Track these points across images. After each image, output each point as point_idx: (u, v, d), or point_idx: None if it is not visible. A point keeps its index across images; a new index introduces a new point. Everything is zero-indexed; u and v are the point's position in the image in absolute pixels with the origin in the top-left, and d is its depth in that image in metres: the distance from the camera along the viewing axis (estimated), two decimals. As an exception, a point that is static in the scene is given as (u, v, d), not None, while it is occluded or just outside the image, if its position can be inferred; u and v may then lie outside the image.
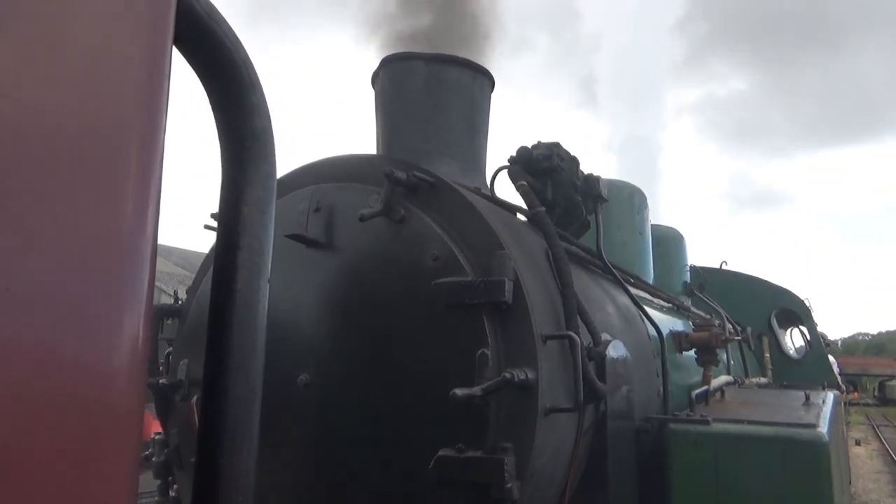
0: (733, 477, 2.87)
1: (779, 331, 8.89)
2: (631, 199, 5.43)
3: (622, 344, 2.77)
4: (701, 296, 7.20)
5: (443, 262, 2.33)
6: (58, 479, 0.64)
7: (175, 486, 2.97)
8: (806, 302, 9.03)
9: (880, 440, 39.94)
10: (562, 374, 2.31)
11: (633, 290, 3.92)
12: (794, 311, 8.96)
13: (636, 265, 5.13)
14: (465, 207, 2.44)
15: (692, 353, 4.12)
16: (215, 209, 1.42)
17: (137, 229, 0.71)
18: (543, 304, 2.40)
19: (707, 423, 3.01)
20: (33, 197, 0.64)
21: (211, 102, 1.01)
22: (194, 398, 2.70)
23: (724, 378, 4.78)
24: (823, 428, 2.93)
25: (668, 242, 6.85)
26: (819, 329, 9.16)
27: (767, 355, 8.40)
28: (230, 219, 0.97)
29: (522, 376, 2.10)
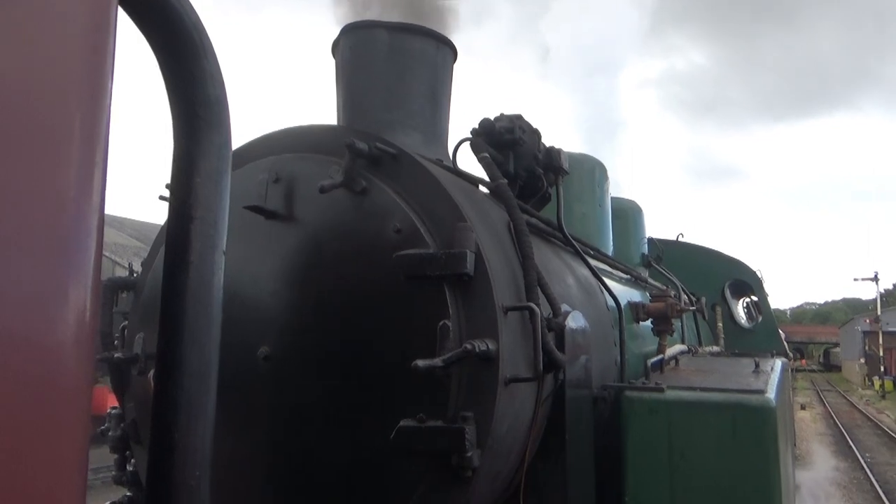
0: (686, 441, 2.97)
1: (731, 301, 9.18)
2: (592, 172, 5.48)
3: (581, 315, 2.82)
4: (658, 267, 7.36)
5: (405, 234, 2.32)
6: (1, 454, 0.62)
7: (133, 461, 2.93)
8: (758, 273, 9.33)
9: (824, 404, 41.87)
10: (522, 345, 2.35)
11: (593, 262, 3.98)
12: (747, 282, 9.25)
13: (596, 237, 5.20)
14: (428, 179, 2.43)
15: (649, 322, 4.22)
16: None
17: (82, 197, 0.68)
18: (505, 276, 2.42)
19: (661, 390, 3.10)
20: (-32, 164, 0.61)
21: (161, 68, 0.97)
22: (151, 372, 2.65)
23: (678, 347, 4.93)
24: (771, 394, 3.05)
25: (628, 215, 6.96)
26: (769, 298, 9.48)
27: (720, 325, 8.67)
28: (183, 190, 0.94)
29: (483, 347, 2.13)
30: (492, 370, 2.17)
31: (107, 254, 28.04)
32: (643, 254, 7.17)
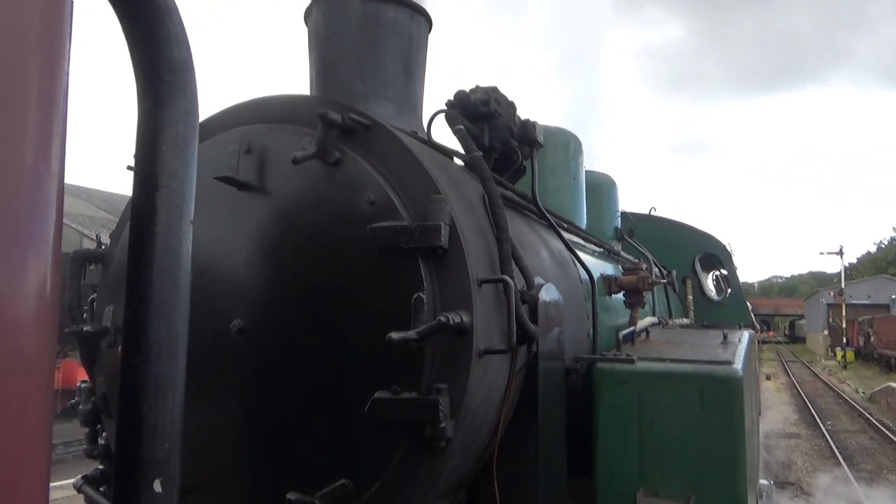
0: (655, 411, 3.04)
1: (701, 274, 9.34)
2: (566, 145, 5.49)
3: (555, 287, 2.85)
4: (630, 241, 7.44)
5: (379, 206, 2.31)
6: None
7: (104, 434, 2.91)
8: (727, 247, 9.50)
9: (788, 374, 43.15)
10: (496, 317, 2.36)
11: (567, 236, 4.01)
12: (717, 256, 9.41)
13: (570, 211, 5.23)
14: (402, 151, 2.41)
15: (621, 295, 4.27)
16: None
17: (40, 166, 0.66)
18: (479, 249, 2.42)
19: (632, 361, 3.15)
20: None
21: (123, 30, 0.93)
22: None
23: (649, 319, 5.01)
24: (738, 364, 3.12)
25: (601, 188, 7.00)
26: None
27: (690, 297, 8.83)
28: (148, 157, 0.91)
29: (457, 319, 2.13)
30: (466, 342, 2.18)
31: (74, 226, 27.46)
32: (616, 227, 7.24)
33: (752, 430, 3.62)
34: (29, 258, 0.65)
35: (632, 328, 4.05)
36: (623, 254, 6.48)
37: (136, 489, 0.88)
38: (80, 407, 2.93)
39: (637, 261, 5.63)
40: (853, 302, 59.59)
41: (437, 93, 3.38)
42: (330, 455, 2.29)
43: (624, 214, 7.66)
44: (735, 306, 9.22)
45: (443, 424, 2.11)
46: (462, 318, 2.15)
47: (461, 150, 2.99)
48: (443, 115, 3.11)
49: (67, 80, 0.70)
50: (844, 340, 53.55)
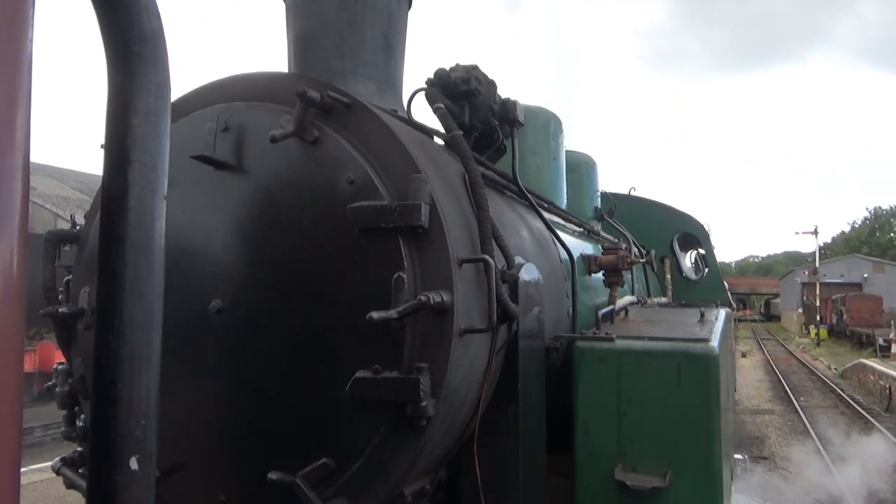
0: (634, 388, 3.08)
1: (680, 253, 9.44)
2: (547, 125, 5.48)
3: (535, 267, 2.85)
4: (610, 220, 7.49)
5: (358, 185, 2.29)
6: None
7: (82, 416, 2.88)
8: (705, 227, 9.60)
9: (763, 352, 44.00)
10: (476, 297, 2.37)
11: (547, 215, 4.01)
12: (695, 235, 9.52)
13: (550, 190, 5.24)
14: (382, 130, 2.38)
15: (600, 275, 4.30)
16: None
17: (2, 135, 0.63)
18: (459, 228, 2.42)
19: (611, 340, 3.19)
20: None
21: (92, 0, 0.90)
22: (98, 327, 2.59)
23: (628, 298, 5.06)
24: (715, 342, 3.17)
25: (581, 168, 7.02)
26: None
27: (669, 276, 8.93)
28: (119, 131, 0.89)
29: (438, 299, 2.14)
30: (446, 321, 2.19)
31: (48, 206, 26.96)
32: (596, 207, 7.27)
33: (727, 406, 3.69)
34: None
35: (611, 307, 4.09)
36: (602, 233, 6.52)
37: (112, 467, 0.87)
38: (57, 389, 2.89)
39: (616, 240, 5.67)
40: (827, 280, 60.69)
41: (418, 70, 3.34)
42: (311, 434, 2.30)
43: (604, 194, 7.69)
44: (712, 285, 9.34)
45: (423, 403, 2.12)
46: (443, 298, 2.15)
47: (441, 129, 2.97)
48: (423, 93, 3.08)
49: (31, 47, 0.67)
50: (818, 318, 54.67)
